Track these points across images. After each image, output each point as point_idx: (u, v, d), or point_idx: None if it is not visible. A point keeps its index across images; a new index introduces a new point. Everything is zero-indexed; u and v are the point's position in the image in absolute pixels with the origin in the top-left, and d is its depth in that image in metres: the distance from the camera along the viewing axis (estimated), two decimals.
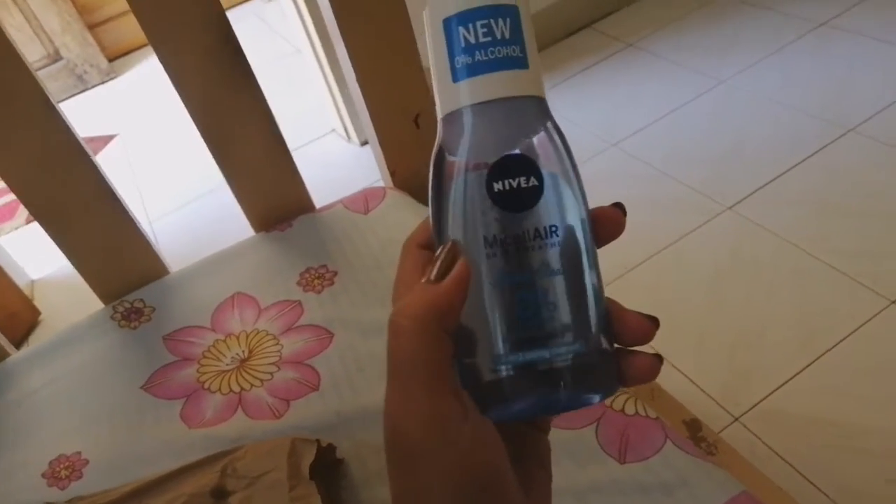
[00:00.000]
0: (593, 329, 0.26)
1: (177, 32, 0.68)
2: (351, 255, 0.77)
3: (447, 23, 0.25)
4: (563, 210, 0.25)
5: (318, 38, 1.63)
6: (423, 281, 0.25)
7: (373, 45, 0.75)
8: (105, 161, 2.09)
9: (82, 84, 2.53)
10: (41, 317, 1.48)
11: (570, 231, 0.25)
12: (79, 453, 0.64)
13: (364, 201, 0.83)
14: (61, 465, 0.63)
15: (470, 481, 0.24)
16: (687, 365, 1.08)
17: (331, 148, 1.83)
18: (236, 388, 0.67)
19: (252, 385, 0.66)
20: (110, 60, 2.59)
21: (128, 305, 0.77)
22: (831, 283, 1.14)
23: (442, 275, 0.25)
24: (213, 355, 0.70)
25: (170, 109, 2.17)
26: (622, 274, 1.25)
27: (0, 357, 0.77)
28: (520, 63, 0.25)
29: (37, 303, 1.51)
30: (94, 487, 0.58)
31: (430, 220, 0.27)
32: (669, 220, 1.33)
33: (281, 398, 0.64)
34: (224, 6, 0.70)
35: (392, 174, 0.85)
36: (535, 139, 0.26)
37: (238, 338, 0.71)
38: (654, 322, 0.27)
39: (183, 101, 0.71)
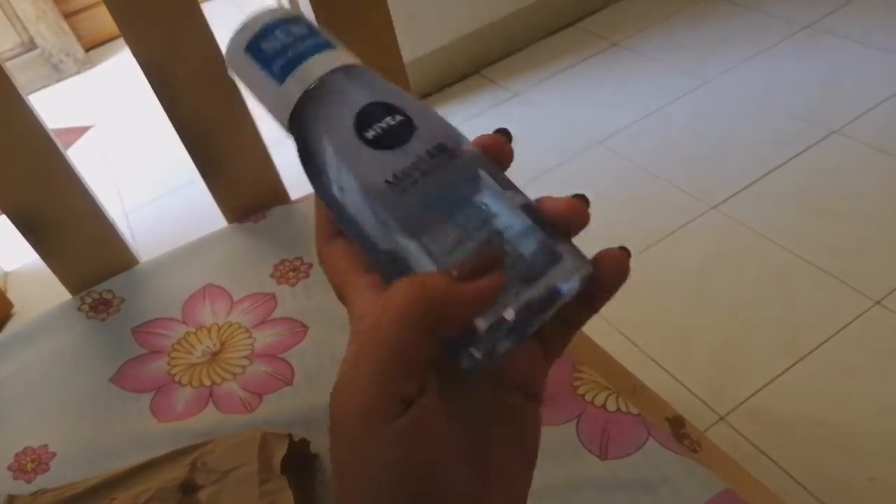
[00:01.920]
0: (533, 225, 0.26)
1: (149, 23, 0.66)
2: None
3: (250, 47, 0.28)
4: (436, 129, 0.27)
5: None
6: (453, 274, 0.23)
7: (352, 40, 0.73)
8: (80, 152, 2.05)
9: (58, 74, 2.48)
10: (14, 310, 1.44)
11: (456, 148, 0.27)
12: (45, 446, 0.62)
13: None
14: (28, 458, 0.61)
15: (395, 477, 0.23)
16: (671, 363, 1.07)
17: None
18: (207, 382, 0.64)
19: (224, 379, 0.64)
20: (87, 50, 2.53)
21: (96, 296, 0.75)
22: (816, 283, 1.13)
23: (469, 275, 0.23)
24: (184, 348, 0.68)
25: (146, 100, 2.12)
26: None
27: None
28: (327, 46, 0.28)
29: (10, 295, 1.47)
30: (61, 480, 0.56)
31: (329, 211, 0.28)
32: (654, 219, 1.32)
33: (253, 392, 0.62)
34: None
35: None
36: (376, 89, 0.28)
37: (210, 330, 0.69)
38: (581, 198, 0.27)
39: (154, 91, 0.70)
